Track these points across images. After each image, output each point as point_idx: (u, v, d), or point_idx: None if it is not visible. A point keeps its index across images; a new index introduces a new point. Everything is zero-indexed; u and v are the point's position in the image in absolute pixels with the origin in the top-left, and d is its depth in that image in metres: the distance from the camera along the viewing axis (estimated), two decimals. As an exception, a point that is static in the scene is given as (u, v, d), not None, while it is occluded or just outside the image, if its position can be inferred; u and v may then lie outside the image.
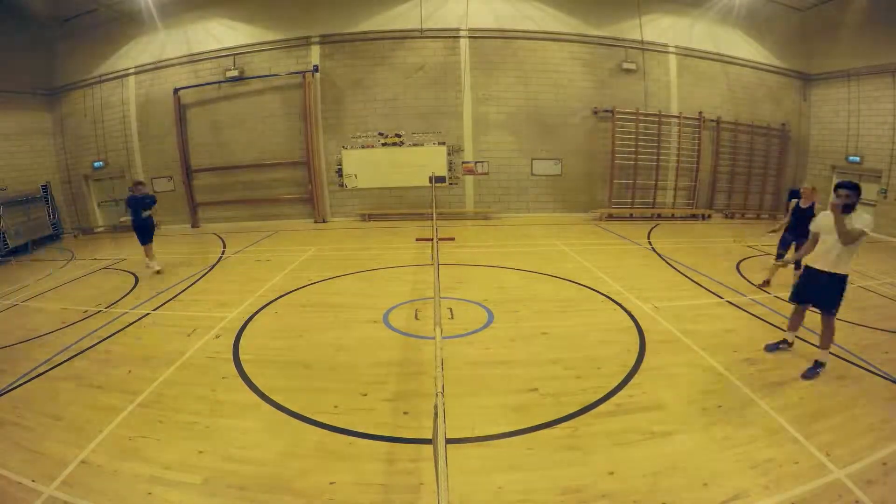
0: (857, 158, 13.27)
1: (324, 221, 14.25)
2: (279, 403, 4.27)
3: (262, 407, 4.26)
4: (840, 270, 4.40)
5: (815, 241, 4.64)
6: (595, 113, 13.89)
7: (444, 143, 13.91)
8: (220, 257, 9.58)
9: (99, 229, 15.07)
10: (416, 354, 5.22)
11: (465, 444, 3.65)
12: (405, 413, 4.08)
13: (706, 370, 4.81)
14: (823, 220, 4.51)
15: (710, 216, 14.55)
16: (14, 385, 4.74)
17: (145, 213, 8.77)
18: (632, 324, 6.00)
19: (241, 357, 5.24)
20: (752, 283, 7.60)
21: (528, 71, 13.62)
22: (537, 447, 3.62)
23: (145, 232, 8.85)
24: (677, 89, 14.16)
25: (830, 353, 4.72)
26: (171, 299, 7.38)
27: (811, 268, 4.64)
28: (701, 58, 14.17)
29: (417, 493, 3.17)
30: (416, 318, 6.29)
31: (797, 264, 5.89)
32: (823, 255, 4.48)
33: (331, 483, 3.26)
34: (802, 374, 4.61)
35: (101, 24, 13.57)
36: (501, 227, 13.17)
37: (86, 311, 6.91)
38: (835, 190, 4.35)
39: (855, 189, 4.26)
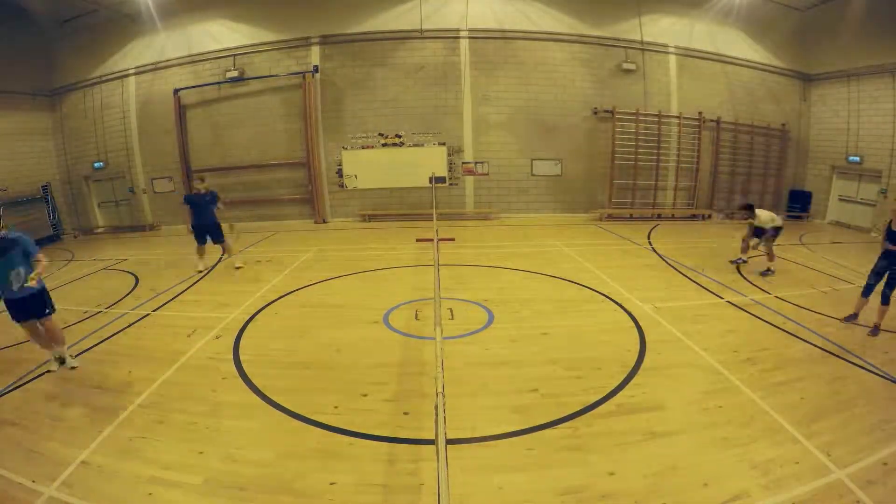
0: (857, 158, 13.27)
1: (324, 222, 14.24)
2: (279, 404, 4.27)
3: (262, 407, 4.25)
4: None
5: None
6: (595, 113, 13.88)
7: (444, 144, 13.91)
8: (221, 258, 9.56)
9: (99, 230, 15.07)
10: (416, 355, 5.22)
11: (466, 445, 3.65)
12: (405, 413, 4.08)
13: (706, 370, 4.81)
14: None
15: (710, 216, 14.55)
16: (14, 385, 4.73)
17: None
18: (632, 324, 6.01)
19: (242, 357, 5.24)
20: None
21: (528, 71, 13.61)
22: (538, 447, 3.62)
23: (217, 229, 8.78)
24: (677, 89, 14.15)
25: (832, 353, 5.14)
26: (171, 300, 7.38)
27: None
28: (701, 58, 14.16)
29: (418, 493, 3.17)
30: (416, 318, 6.29)
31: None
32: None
33: (331, 483, 3.26)
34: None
35: (101, 25, 13.58)
36: (501, 227, 13.16)
37: (86, 312, 6.91)
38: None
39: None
